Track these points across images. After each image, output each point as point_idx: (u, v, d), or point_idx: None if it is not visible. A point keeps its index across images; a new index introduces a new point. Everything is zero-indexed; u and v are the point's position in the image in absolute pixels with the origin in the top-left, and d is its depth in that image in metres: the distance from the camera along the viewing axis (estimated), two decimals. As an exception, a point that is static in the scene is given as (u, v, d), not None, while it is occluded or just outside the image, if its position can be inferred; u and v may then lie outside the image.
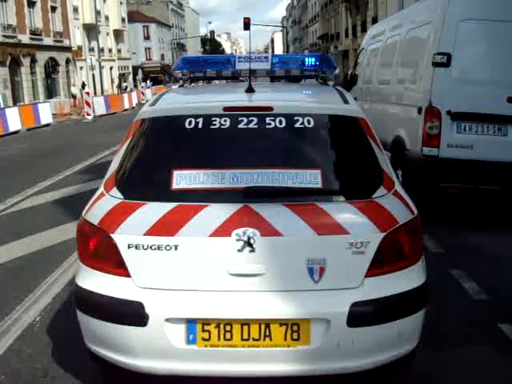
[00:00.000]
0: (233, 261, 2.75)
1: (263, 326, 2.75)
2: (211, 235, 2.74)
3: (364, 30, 39.61)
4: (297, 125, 3.07)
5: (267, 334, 2.75)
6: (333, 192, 2.94)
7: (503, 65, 6.49)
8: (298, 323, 2.75)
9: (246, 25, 51.44)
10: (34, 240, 6.68)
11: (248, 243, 2.73)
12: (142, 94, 40.72)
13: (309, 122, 3.08)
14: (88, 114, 26.31)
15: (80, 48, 50.03)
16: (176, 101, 3.70)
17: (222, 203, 2.84)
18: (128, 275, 2.82)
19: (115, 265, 2.84)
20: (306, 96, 3.88)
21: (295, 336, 2.76)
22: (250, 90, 3.44)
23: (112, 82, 57.61)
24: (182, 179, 2.89)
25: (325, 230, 2.78)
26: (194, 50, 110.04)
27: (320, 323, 2.75)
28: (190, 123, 3.08)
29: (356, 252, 2.77)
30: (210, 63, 4.39)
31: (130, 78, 65.76)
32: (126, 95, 36.07)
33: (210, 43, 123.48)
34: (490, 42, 6.52)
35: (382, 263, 2.83)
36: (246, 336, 2.75)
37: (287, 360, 2.79)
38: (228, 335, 2.76)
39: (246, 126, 3.05)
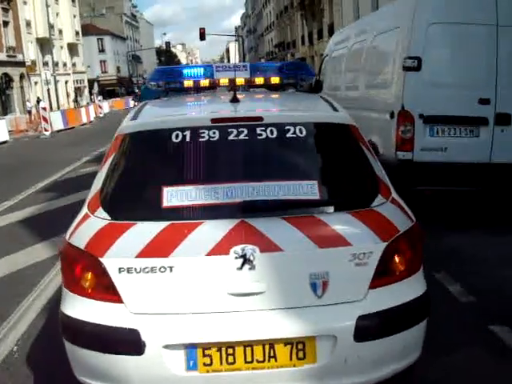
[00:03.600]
0: (232, 280, 2.62)
1: (267, 347, 2.62)
2: (208, 254, 2.61)
3: (320, 37, 40.06)
4: (288, 134, 2.96)
5: (272, 354, 2.63)
6: (331, 203, 2.84)
7: (473, 67, 6.54)
8: (303, 341, 2.63)
9: (202, 35, 51.94)
10: (0, 265, 6.37)
11: (247, 260, 2.60)
12: (100, 107, 40.12)
13: (301, 132, 2.97)
14: (46, 130, 25.67)
15: (34, 62, 49.04)
16: (159, 114, 3.55)
17: (217, 219, 2.71)
18: (120, 301, 2.65)
19: (106, 290, 2.67)
20: (293, 105, 3.77)
21: (301, 355, 2.64)
22: (234, 100, 3.32)
23: (68, 96, 56.65)
24: (173, 196, 2.74)
25: (326, 243, 2.68)
26: (149, 61, 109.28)
27: (326, 340, 2.64)
28: (176, 137, 2.93)
29: (359, 263, 2.69)
30: (187, 73, 4.25)
31: (86, 91, 64.77)
32: (83, 109, 35.42)
33: (166, 54, 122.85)
34: (460, 45, 6.56)
35: (385, 273, 2.75)
36: (249, 358, 2.62)
37: (294, 380, 2.67)
38: (231, 359, 2.62)
39: (236, 138, 2.92)
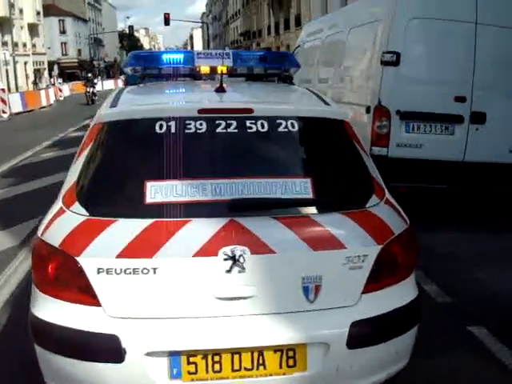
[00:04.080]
0: (220, 283, 2.45)
1: (256, 354, 2.47)
2: (195, 255, 2.43)
3: (287, 27, 39.95)
4: (280, 129, 2.79)
5: (260, 362, 2.48)
6: (325, 202, 2.69)
7: (451, 64, 6.50)
8: (293, 348, 2.49)
9: (167, 20, 51.12)
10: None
11: (237, 262, 2.44)
12: (60, 90, 39.07)
13: (293, 126, 2.81)
14: (3, 112, 24.81)
15: (-8, 42, 47.41)
16: (140, 102, 3.32)
17: (204, 218, 2.53)
18: (98, 304, 2.45)
19: (82, 292, 2.47)
20: (282, 97, 3.58)
21: (291, 362, 2.50)
22: (220, 89, 3.13)
23: (27, 78, 55.02)
24: (157, 192, 2.55)
25: (320, 245, 2.54)
26: (111, 45, 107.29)
27: (317, 347, 2.51)
28: (160, 127, 2.72)
29: (353, 267, 2.57)
30: (166, 59, 4.01)
31: (46, 73, 63.07)
32: (43, 92, 34.39)
33: (129, 38, 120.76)
34: (438, 41, 6.49)
35: (378, 277, 2.64)
36: (237, 366, 2.47)
37: None
38: (217, 366, 2.46)
39: (224, 131, 2.73)
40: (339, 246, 2.55)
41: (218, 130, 2.73)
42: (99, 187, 2.68)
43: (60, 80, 45.04)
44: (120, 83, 61.89)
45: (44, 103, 32.19)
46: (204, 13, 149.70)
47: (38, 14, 61.26)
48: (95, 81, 33.92)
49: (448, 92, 6.50)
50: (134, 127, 2.80)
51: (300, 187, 2.63)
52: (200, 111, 2.77)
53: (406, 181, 6.62)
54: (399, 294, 2.72)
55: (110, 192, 2.65)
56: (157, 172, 2.64)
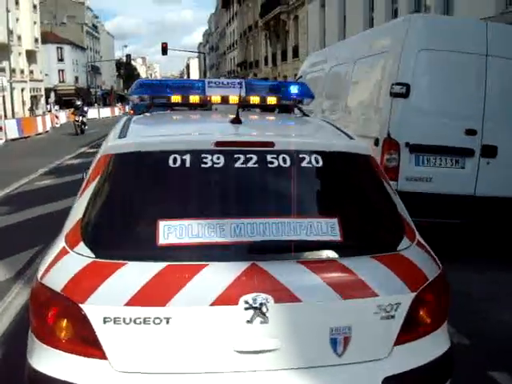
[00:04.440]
0: (240, 335, 2.22)
1: None
2: (213, 304, 2.20)
3: (284, 58, 40.16)
4: (303, 164, 2.59)
5: None
6: (355, 245, 2.47)
7: (461, 96, 6.35)
8: None
9: (164, 49, 51.43)
10: None
11: (259, 312, 2.20)
12: (56, 117, 38.97)
13: (317, 161, 2.60)
14: (0, 138, 24.64)
15: (-11, 68, 47.35)
16: (151, 132, 3.10)
17: (223, 262, 2.30)
18: (104, 357, 2.21)
19: (86, 343, 2.22)
20: (302, 130, 3.38)
21: None
22: (236, 120, 2.93)
23: (24, 104, 54.94)
24: (171, 232, 2.32)
25: (351, 293, 2.32)
26: (108, 73, 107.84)
27: None
28: (174, 161, 2.51)
29: (385, 317, 2.35)
30: (175, 88, 3.81)
31: (43, 100, 63.07)
32: (39, 118, 34.26)
33: (126, 67, 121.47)
34: (449, 73, 6.36)
35: (411, 328, 2.42)
36: None
37: None
38: None
39: (244, 166, 2.52)
40: (370, 294, 2.33)
41: (237, 164, 2.52)
42: (107, 226, 2.45)
43: (57, 107, 45.07)
44: (117, 111, 62.14)
45: (40, 130, 32.02)
46: (201, 43, 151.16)
47: (36, 40, 61.40)
48: (85, 109, 32.78)
49: (458, 125, 6.35)
50: (145, 160, 2.58)
51: (327, 228, 2.41)
52: (217, 144, 2.56)
53: (416, 215, 6.38)
54: (432, 346, 2.50)
55: (119, 231, 2.42)
56: (170, 210, 2.43)
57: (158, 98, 3.85)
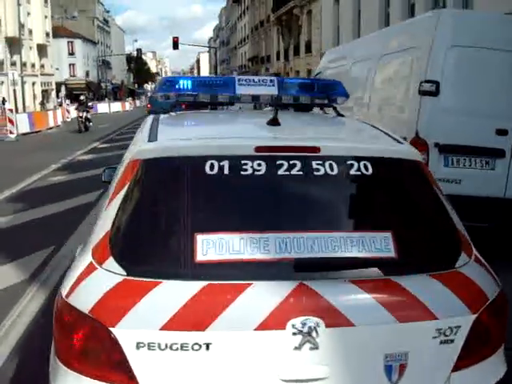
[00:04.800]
0: (287, 362, 2.02)
1: None
2: (258, 328, 1.99)
3: (297, 53, 39.84)
4: (352, 171, 2.37)
5: None
6: (410, 262, 2.25)
7: (492, 95, 6.10)
8: None
9: (175, 44, 51.22)
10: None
11: (309, 338, 2.00)
12: (67, 111, 38.86)
13: (366, 168, 2.38)
14: (11, 133, 24.49)
15: (1, 62, 47.35)
16: (183, 135, 2.85)
17: (268, 281, 2.08)
18: None
19: (117, 370, 2.03)
20: (346, 132, 3.15)
21: None
22: (274, 122, 2.71)
23: (35, 98, 54.97)
24: (210, 247, 2.11)
25: (408, 316, 2.11)
26: (119, 67, 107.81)
27: None
28: (211, 167, 2.29)
29: (444, 341, 2.14)
30: (203, 85, 3.59)
31: (53, 94, 63.09)
32: (51, 113, 34.17)
33: (136, 61, 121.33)
34: (478, 71, 6.11)
35: (470, 352, 2.21)
36: None
37: None
38: None
39: (287, 173, 2.30)
40: (429, 317, 2.11)
41: (280, 172, 2.30)
42: (139, 240, 2.23)
43: (68, 101, 44.94)
44: (127, 106, 62.01)
45: (51, 124, 31.96)
46: (211, 37, 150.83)
47: (47, 35, 61.43)
48: (90, 104, 31.52)
49: (489, 124, 6.09)
50: (179, 166, 2.35)
51: (380, 243, 2.20)
52: (258, 149, 2.34)
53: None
54: (489, 371, 2.30)
55: (153, 246, 2.20)
56: (209, 223, 2.21)
57: (184, 95, 3.64)
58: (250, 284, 2.05)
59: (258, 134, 2.76)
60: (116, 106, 57.93)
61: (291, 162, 2.32)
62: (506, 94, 6.11)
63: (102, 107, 52.96)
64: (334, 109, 3.76)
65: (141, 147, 2.50)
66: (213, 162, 2.30)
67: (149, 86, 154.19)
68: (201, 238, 2.12)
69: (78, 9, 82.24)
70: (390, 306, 2.08)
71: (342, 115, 3.70)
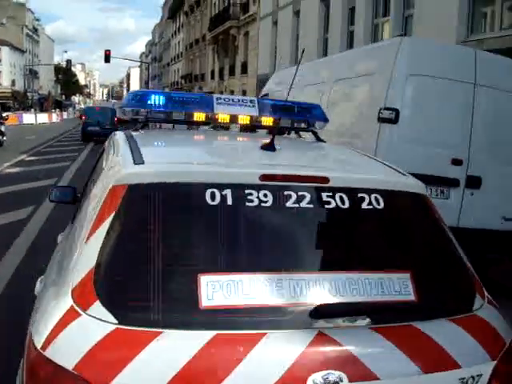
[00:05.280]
0: None
1: None
2: None
3: (232, 73, 39.92)
4: (364, 205, 2.18)
5: None
6: (430, 306, 2.09)
7: (448, 124, 6.15)
8: None
9: (107, 57, 50.17)
10: None
11: None
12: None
13: (377, 202, 2.20)
14: None
15: None
16: (173, 158, 2.57)
17: (284, 330, 1.84)
18: None
19: None
20: (345, 161, 2.95)
21: None
22: (269, 147, 2.49)
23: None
24: (216, 290, 1.85)
25: (432, 365, 1.94)
26: (46, 77, 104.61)
27: None
28: (212, 197, 2.04)
29: None
30: (177, 102, 3.31)
31: (-24, 102, 60.16)
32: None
33: (65, 72, 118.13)
34: (437, 100, 6.14)
35: None
36: None
37: None
38: None
39: (296, 205, 2.08)
40: (453, 365, 1.96)
41: (289, 204, 2.08)
42: (132, 281, 1.92)
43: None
44: (54, 117, 59.83)
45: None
46: (143, 53, 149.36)
47: (-28, 40, 58.89)
48: (4, 115, 27.68)
49: (445, 154, 6.13)
50: (175, 195, 2.08)
51: (399, 285, 2.02)
52: (263, 177, 2.11)
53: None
54: None
55: (149, 289, 1.89)
56: (214, 261, 1.95)
57: (156, 112, 3.34)
58: (264, 334, 1.81)
59: (256, 160, 2.53)
60: (43, 118, 55.84)
61: (300, 194, 2.11)
62: (462, 124, 6.18)
63: (28, 118, 50.94)
64: (314, 134, 3.59)
65: (127, 170, 2.17)
66: (213, 190, 2.05)
67: (76, 98, 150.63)
68: (205, 280, 1.86)
69: (7, 15, 79.35)
70: (414, 356, 1.91)
71: (324, 141, 3.53)
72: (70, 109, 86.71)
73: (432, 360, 1.95)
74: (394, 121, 5.96)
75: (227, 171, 2.19)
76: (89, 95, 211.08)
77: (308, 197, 2.11)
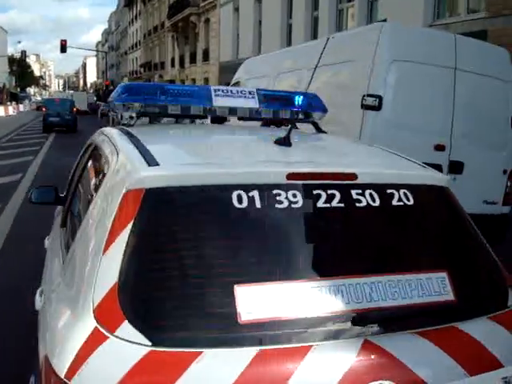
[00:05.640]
0: None
1: None
2: None
3: (193, 61, 39.45)
4: (394, 202, 2.08)
5: None
6: (469, 304, 2.01)
7: (431, 110, 6.12)
8: None
9: (63, 47, 48.91)
10: None
11: None
12: None
13: (407, 198, 2.11)
14: None
15: None
16: (188, 157, 2.41)
17: (329, 341, 1.73)
18: None
19: None
20: (366, 156, 2.82)
21: None
22: (284, 142, 2.36)
23: None
24: (254, 302, 1.72)
25: (477, 367, 1.88)
26: (0, 69, 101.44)
27: None
28: (239, 200, 1.90)
29: None
30: (173, 94, 3.13)
31: None
32: None
33: (19, 64, 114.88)
34: (419, 86, 6.09)
35: None
36: None
37: None
38: None
39: (328, 205, 1.97)
40: (496, 365, 1.90)
41: (320, 204, 1.96)
42: (162, 296, 1.76)
43: None
44: (11, 110, 58.13)
45: None
46: (99, 42, 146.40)
47: None
48: None
49: (428, 140, 6.11)
50: (198, 198, 1.93)
51: (438, 285, 1.94)
52: (290, 176, 1.98)
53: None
54: None
55: (182, 304, 1.74)
56: (248, 270, 1.82)
57: (151, 106, 3.15)
58: (310, 347, 1.70)
59: (275, 156, 2.38)
60: (-1, 111, 54.26)
61: (329, 192, 1.99)
62: (444, 110, 6.16)
63: (-17, 111, 49.49)
64: (315, 124, 3.47)
65: (143, 173, 1.99)
66: (240, 192, 1.91)
67: (32, 90, 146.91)
68: (241, 291, 1.73)
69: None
70: (460, 359, 1.83)
71: (324, 132, 3.41)
72: (26, 101, 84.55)
73: (477, 361, 1.88)
74: (378, 108, 5.89)
75: (253, 171, 2.04)
76: (44, 86, 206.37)
77: (338, 195, 2.00)
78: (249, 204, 1.90)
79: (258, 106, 3.21)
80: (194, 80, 38.88)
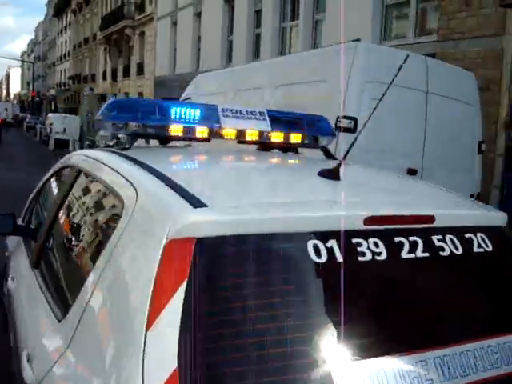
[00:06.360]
0: None
1: None
2: None
3: (127, 74, 38.57)
4: (475, 248, 1.79)
5: None
6: None
7: (404, 134, 5.99)
8: None
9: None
10: None
11: None
12: None
13: (485, 243, 1.83)
14: None
15: None
16: (238, 196, 1.91)
17: None
18: None
19: None
20: (422, 193, 2.48)
21: None
22: (333, 175, 2.04)
23: None
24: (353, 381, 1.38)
25: None
26: None
27: None
28: (317, 251, 1.54)
29: None
30: (177, 114, 2.71)
31: None
32: None
33: None
34: (393, 109, 5.94)
35: None
36: None
37: None
38: None
39: (413, 256, 1.66)
40: None
41: (404, 254, 1.64)
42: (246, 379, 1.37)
43: None
44: None
45: None
46: (25, 52, 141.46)
47: None
48: None
49: (402, 164, 5.97)
50: (271, 250, 1.55)
51: None
52: (369, 221, 1.65)
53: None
54: None
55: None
56: (345, 349, 1.47)
57: (149, 127, 2.71)
58: None
59: (333, 195, 2.02)
60: None
61: (411, 239, 1.68)
62: (417, 133, 6.06)
63: None
64: (325, 150, 3.16)
65: (191, 218, 1.55)
66: (316, 242, 1.55)
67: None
68: (336, 367, 1.37)
69: None
70: None
71: (336, 158, 3.12)
72: None
73: None
74: (353, 130, 5.68)
75: (330, 214, 1.69)
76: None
77: (420, 243, 1.69)
78: (329, 257, 1.55)
79: (270, 129, 2.86)
80: (127, 93, 37.98)
